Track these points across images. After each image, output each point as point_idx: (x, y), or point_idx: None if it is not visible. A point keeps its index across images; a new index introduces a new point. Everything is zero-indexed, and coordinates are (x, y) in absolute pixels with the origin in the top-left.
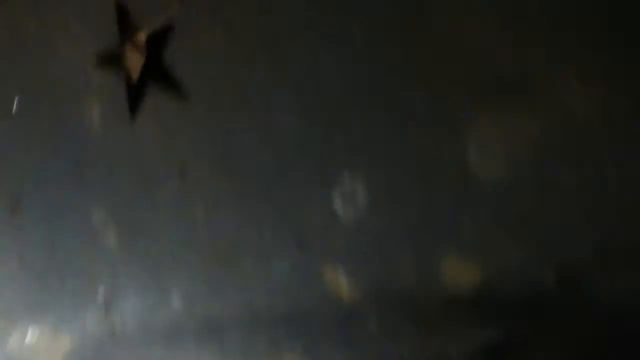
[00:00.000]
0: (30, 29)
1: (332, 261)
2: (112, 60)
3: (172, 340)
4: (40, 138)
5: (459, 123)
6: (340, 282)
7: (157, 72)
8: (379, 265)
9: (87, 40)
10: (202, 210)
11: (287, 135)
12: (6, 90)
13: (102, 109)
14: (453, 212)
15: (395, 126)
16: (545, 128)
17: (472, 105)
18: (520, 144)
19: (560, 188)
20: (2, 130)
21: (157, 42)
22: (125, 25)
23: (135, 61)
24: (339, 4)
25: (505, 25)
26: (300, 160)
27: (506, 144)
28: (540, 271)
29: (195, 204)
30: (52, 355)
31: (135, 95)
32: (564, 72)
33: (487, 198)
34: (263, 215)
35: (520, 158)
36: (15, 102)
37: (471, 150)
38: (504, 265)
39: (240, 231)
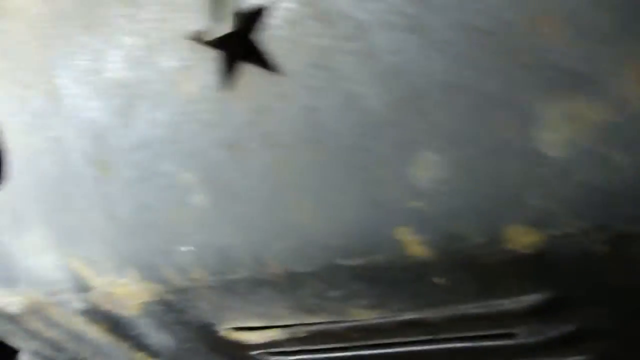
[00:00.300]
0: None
1: (406, 224)
2: (204, 33)
3: (250, 290)
4: (131, 102)
5: (530, 109)
6: (413, 243)
7: (248, 48)
8: (450, 229)
9: (175, 13)
10: (288, 177)
11: (370, 113)
12: (91, 58)
13: (195, 82)
14: (520, 186)
15: (471, 109)
16: (605, 115)
17: (542, 94)
18: (582, 128)
19: (616, 168)
20: (91, 93)
21: (251, 19)
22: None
23: (227, 37)
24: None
25: (574, 26)
26: (381, 135)
27: (570, 127)
28: (596, 240)
29: (281, 170)
30: (132, 302)
31: (227, 69)
32: (623, 69)
33: (551, 175)
34: (344, 184)
35: (583, 140)
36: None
37: (539, 132)
38: (563, 233)
39: (323, 197)
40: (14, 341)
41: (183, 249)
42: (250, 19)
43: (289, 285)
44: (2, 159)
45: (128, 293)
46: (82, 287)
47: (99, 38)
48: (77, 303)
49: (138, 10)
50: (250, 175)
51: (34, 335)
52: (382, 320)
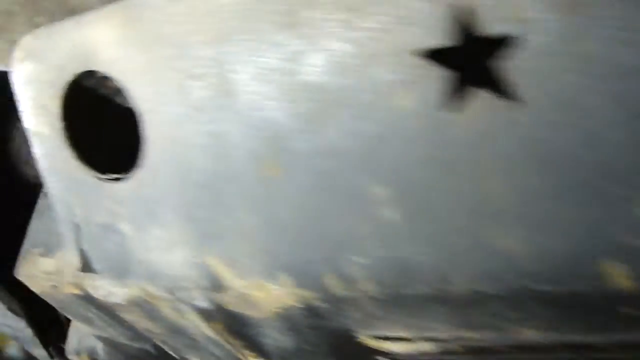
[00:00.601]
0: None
1: (619, 259)
2: (435, 51)
3: (418, 305)
4: (326, 109)
5: None
6: (620, 276)
7: (484, 74)
8: None
9: (403, 26)
10: (503, 202)
11: (610, 154)
12: (283, 58)
13: (412, 98)
14: None
15: None
16: None
17: None
18: None
19: None
20: (274, 93)
21: (493, 45)
22: (460, 22)
23: (463, 59)
24: None
25: None
26: (617, 175)
27: None
28: None
29: (497, 195)
30: (270, 306)
31: (454, 91)
32: None
33: None
34: (564, 215)
35: None
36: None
37: None
38: None
39: (536, 225)
40: (89, 326)
41: (358, 259)
42: (492, 46)
43: (466, 303)
44: (137, 146)
45: (271, 297)
46: (215, 287)
47: (300, 39)
48: (201, 302)
49: (357, 17)
50: (458, 196)
51: (121, 324)
52: (546, 341)
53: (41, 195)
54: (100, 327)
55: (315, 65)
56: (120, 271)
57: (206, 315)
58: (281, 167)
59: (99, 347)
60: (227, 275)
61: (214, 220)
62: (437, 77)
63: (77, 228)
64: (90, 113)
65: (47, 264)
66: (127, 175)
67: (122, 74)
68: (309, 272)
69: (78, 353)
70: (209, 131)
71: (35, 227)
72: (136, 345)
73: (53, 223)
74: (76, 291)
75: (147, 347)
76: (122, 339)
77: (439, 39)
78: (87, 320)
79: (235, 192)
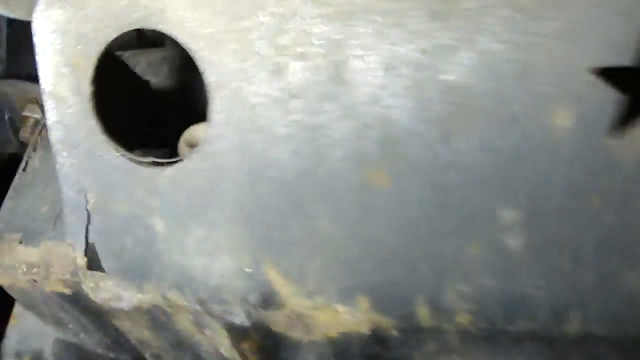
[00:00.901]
0: None
1: None
2: (612, 72)
3: (511, 342)
4: (463, 116)
5: None
6: None
7: None
8: None
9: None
10: None
11: None
12: (423, 50)
13: (575, 117)
14: None
15: None
16: None
17: None
18: None
19: None
20: (402, 88)
21: None
22: None
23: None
24: None
25: None
26: None
27: None
28: None
29: None
30: (327, 330)
31: (627, 116)
32: None
33: None
34: None
35: None
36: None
37: None
38: None
39: None
40: (57, 328)
41: (461, 288)
42: None
43: (569, 344)
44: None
45: (335, 321)
46: (266, 303)
47: (451, 32)
48: (238, 318)
49: (526, 18)
50: (600, 231)
51: (104, 331)
52: None
53: (20, 170)
54: (72, 332)
55: (461, 65)
56: (139, 273)
57: (237, 333)
58: (390, 175)
59: (48, 351)
60: (286, 292)
61: (284, 226)
62: (608, 98)
63: (88, 216)
64: (126, 82)
65: (28, 253)
66: (174, 161)
67: (197, 41)
68: (396, 298)
69: (18, 356)
70: (302, 122)
71: (12, 207)
72: (110, 355)
73: (35, 205)
74: (64, 290)
75: (124, 358)
76: (95, 346)
77: (620, 58)
78: (58, 322)
79: (321, 196)
